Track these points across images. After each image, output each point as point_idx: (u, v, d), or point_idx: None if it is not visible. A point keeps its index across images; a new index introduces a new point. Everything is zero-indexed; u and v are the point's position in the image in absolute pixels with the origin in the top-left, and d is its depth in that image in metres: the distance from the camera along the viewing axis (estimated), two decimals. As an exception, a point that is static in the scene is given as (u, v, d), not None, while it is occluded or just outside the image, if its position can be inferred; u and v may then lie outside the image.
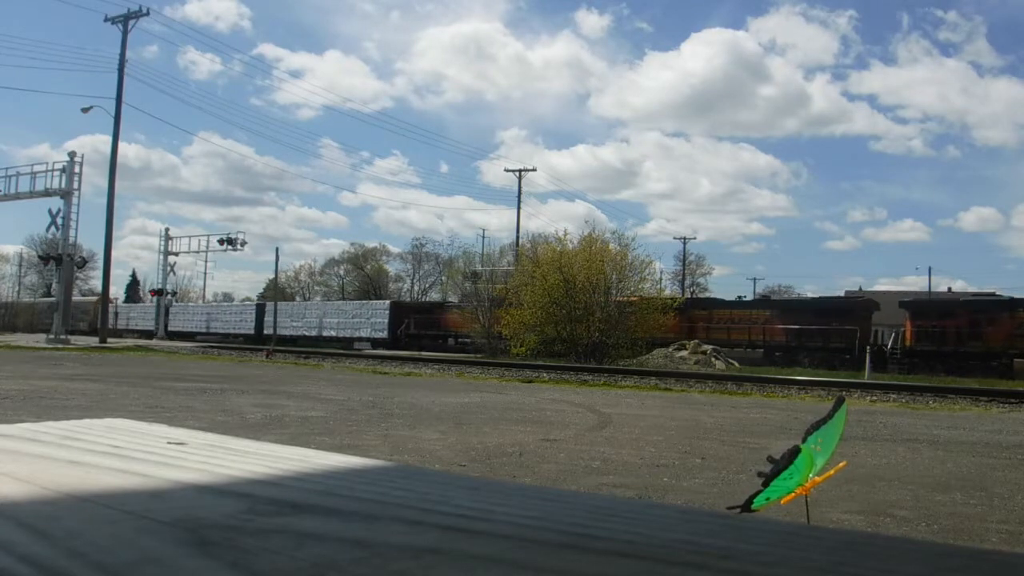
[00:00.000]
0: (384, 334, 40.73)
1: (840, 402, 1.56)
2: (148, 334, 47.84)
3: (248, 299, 70.70)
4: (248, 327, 48.16)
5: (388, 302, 44.88)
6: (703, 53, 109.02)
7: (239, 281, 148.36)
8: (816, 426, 1.53)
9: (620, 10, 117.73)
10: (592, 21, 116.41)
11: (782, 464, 1.49)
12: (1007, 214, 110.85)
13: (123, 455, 0.88)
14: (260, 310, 48.66)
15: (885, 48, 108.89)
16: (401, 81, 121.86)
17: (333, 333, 43.44)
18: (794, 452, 1.50)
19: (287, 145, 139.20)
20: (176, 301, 52.35)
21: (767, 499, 1.49)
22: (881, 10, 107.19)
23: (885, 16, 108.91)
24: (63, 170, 28.77)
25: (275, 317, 38.38)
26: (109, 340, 32.08)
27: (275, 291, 44.13)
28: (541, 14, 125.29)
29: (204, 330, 50.23)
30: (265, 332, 45.26)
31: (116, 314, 56.99)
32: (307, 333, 44.74)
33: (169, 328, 50.13)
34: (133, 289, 74.11)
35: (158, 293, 45.44)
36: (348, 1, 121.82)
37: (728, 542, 0.58)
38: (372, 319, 42.00)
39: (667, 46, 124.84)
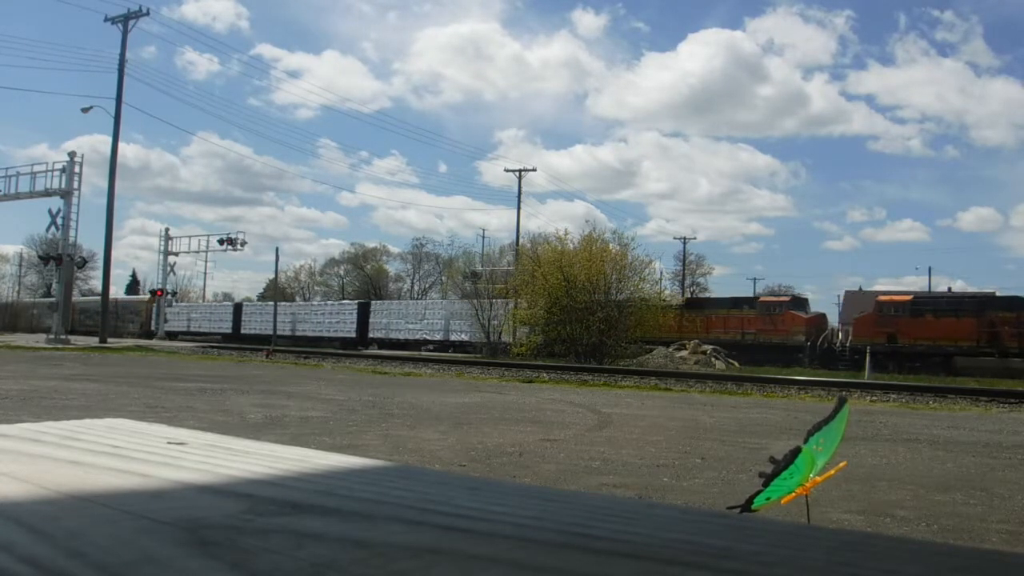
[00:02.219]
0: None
1: (842, 402, 1.56)
2: (228, 337, 42.54)
3: (247, 298, 70.35)
4: (347, 329, 41.01)
5: None
6: (701, 53, 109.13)
7: (238, 281, 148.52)
8: (818, 427, 1.53)
9: (616, 10, 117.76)
10: (588, 21, 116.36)
11: (783, 464, 1.49)
12: (1006, 214, 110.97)
13: (123, 455, 0.88)
14: (363, 309, 41.50)
15: (883, 48, 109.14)
16: (399, 81, 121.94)
17: (465, 337, 35.91)
18: (795, 452, 1.50)
19: (286, 145, 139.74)
20: (176, 301, 49.26)
21: (767, 499, 1.49)
22: (878, 10, 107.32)
23: (882, 16, 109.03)
24: (63, 170, 28.78)
25: (275, 316, 38.31)
26: (110, 340, 32.06)
27: (275, 291, 44.02)
28: (538, 14, 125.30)
29: (289, 332, 42.75)
30: (371, 335, 39.42)
31: (161, 315, 48.50)
32: (429, 336, 37.47)
33: (242, 331, 44.37)
34: (133, 289, 74.08)
35: (159, 293, 45.22)
36: (345, 1, 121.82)
37: (728, 542, 0.58)
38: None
39: (664, 46, 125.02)
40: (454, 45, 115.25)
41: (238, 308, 48.71)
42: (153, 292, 44.43)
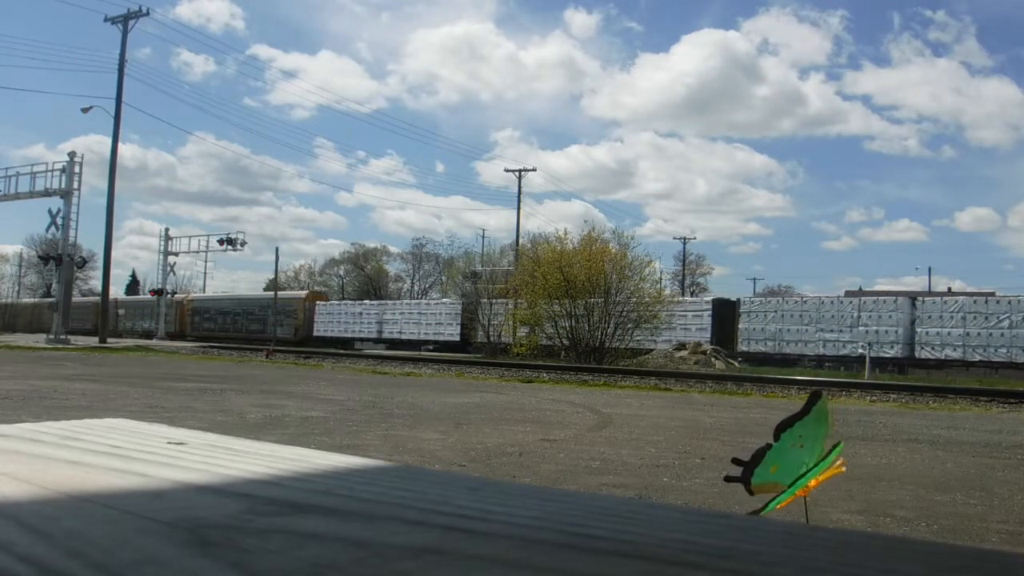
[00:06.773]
0: None
1: (816, 396, 1.54)
2: (451, 347, 33.90)
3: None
4: (706, 333, 28.77)
5: None
6: (695, 54, 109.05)
7: (237, 281, 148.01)
8: (789, 422, 1.51)
9: (608, 10, 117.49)
10: (581, 20, 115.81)
11: (755, 463, 1.48)
12: (1003, 214, 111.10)
13: (123, 455, 0.88)
14: (726, 309, 30.20)
15: (877, 48, 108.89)
16: (394, 81, 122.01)
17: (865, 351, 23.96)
18: (766, 449, 1.49)
19: (283, 144, 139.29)
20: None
21: (773, 507, 1.50)
22: (872, 10, 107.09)
23: (876, 16, 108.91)
24: (63, 170, 28.81)
25: (274, 314, 38.21)
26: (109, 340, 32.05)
27: (275, 291, 44.01)
28: (531, 13, 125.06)
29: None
30: (743, 347, 28.38)
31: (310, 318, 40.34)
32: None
33: (474, 339, 34.61)
34: (133, 289, 74.07)
35: (158, 293, 45.07)
36: (338, 1, 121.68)
37: (728, 542, 0.58)
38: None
39: (659, 47, 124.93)
40: (448, 45, 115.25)
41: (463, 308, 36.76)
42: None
